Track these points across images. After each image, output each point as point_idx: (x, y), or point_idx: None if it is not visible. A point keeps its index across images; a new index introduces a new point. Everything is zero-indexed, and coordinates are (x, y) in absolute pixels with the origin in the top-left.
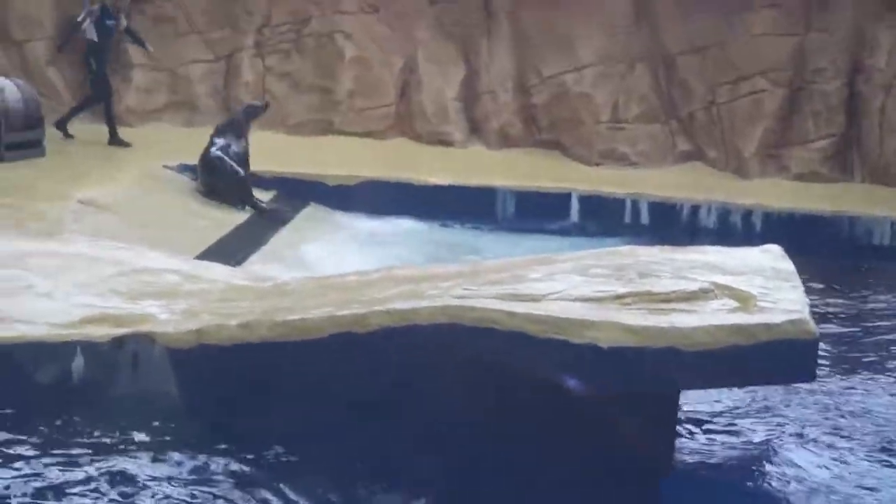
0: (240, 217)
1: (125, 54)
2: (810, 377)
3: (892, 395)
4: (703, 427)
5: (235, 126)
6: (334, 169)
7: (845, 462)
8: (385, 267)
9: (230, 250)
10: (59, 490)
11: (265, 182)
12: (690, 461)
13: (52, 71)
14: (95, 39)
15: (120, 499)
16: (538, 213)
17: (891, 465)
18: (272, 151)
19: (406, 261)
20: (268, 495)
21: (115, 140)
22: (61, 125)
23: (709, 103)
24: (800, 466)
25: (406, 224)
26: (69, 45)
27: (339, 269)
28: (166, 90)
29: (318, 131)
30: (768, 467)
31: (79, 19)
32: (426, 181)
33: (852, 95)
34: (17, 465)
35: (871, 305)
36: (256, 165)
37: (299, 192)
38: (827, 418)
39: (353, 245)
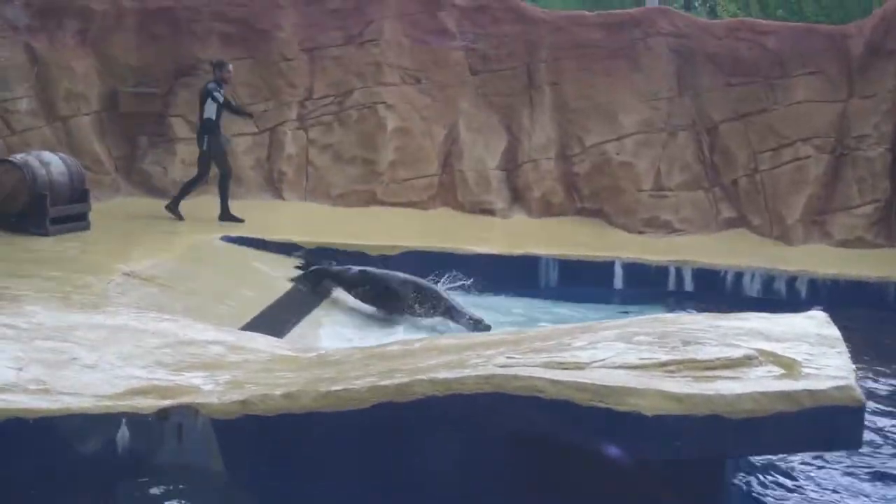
0: (284, 287)
1: (170, 129)
2: (856, 445)
3: None
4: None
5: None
6: (377, 239)
7: None
8: (428, 336)
9: (275, 321)
10: None
11: (306, 253)
12: None
13: (97, 145)
14: (213, 118)
15: None
16: (582, 282)
17: None
18: (315, 222)
19: (448, 330)
20: None
21: (173, 208)
22: (173, 207)
23: (752, 170)
24: None
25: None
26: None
27: (382, 339)
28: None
29: (360, 202)
30: None
31: (222, 101)
32: (469, 250)
33: None
34: None
35: None
36: (299, 236)
37: (342, 264)
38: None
39: (397, 315)
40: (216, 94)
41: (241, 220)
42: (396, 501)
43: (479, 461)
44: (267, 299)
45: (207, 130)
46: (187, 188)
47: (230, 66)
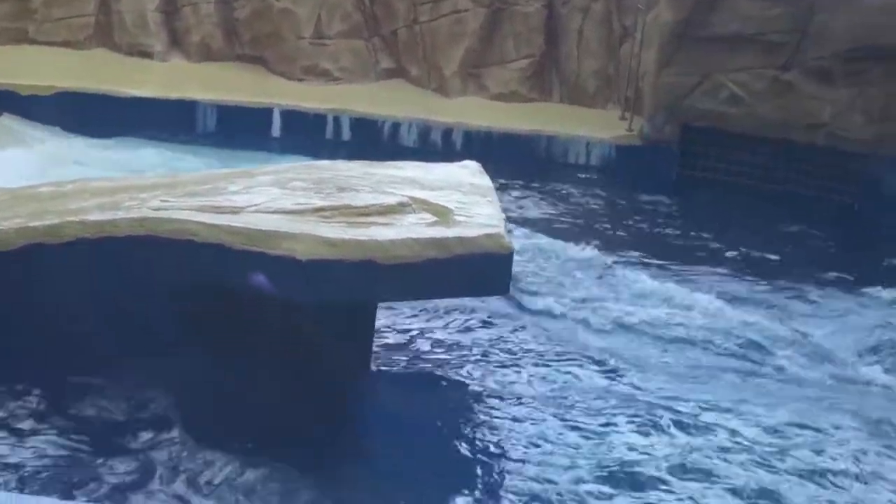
0: None
1: None
2: (504, 290)
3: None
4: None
5: None
6: (29, 79)
7: None
8: (80, 178)
9: None
10: None
11: None
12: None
13: None
14: None
15: None
16: (239, 128)
17: None
18: None
19: (103, 173)
20: None
21: None
22: None
23: (411, 21)
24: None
25: (104, 136)
26: None
27: (31, 181)
28: None
29: (11, 40)
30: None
31: None
32: (125, 93)
33: (552, 17)
34: None
35: (561, 218)
36: None
37: None
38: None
39: (49, 157)
40: None
41: None
42: (45, 347)
43: (132, 305)
44: None
45: None
46: None
47: None
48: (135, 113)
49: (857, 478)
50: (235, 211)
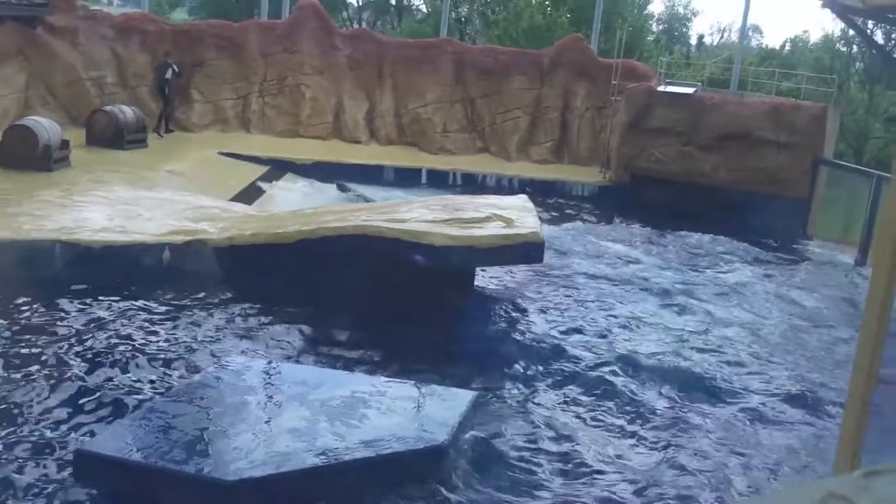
0: (252, 178)
1: (191, 94)
2: (540, 261)
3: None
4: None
5: None
6: (299, 155)
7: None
8: (326, 206)
9: (246, 196)
10: (140, 318)
11: (262, 161)
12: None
13: (151, 103)
14: (168, 78)
15: (189, 325)
16: (405, 180)
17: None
18: (267, 145)
19: (338, 202)
20: (267, 329)
21: (168, 130)
22: (157, 129)
23: (491, 123)
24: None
25: (338, 183)
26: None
27: (302, 205)
28: (211, 113)
29: (291, 135)
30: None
31: (168, 76)
32: (349, 161)
33: (564, 120)
34: (139, 312)
35: (568, 221)
36: (259, 152)
37: (282, 167)
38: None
39: (310, 194)
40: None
41: (173, 131)
42: (303, 291)
43: (354, 271)
44: (242, 185)
45: (166, 87)
46: (162, 117)
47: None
48: (354, 172)
49: None
50: (404, 221)
